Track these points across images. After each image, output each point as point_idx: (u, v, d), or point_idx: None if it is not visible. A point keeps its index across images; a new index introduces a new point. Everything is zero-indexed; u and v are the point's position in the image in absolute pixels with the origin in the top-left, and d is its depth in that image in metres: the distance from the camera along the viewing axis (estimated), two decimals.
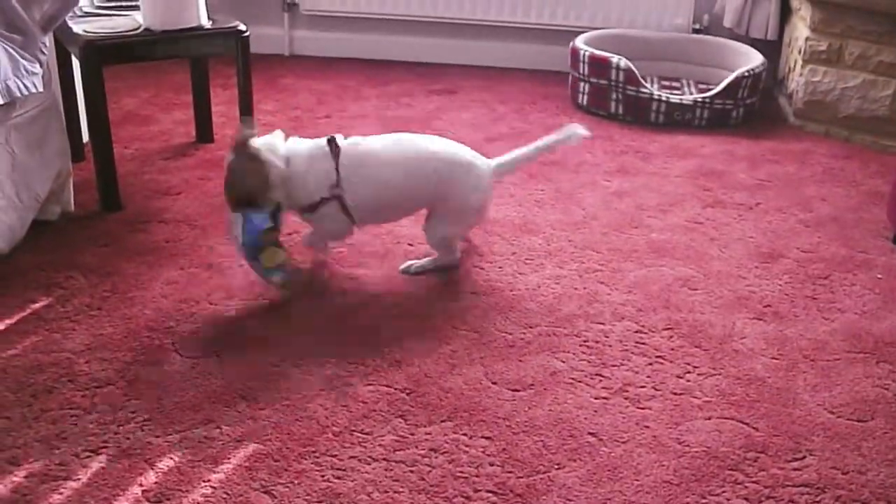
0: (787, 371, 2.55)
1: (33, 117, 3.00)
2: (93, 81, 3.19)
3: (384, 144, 2.86)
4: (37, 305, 2.73)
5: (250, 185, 2.69)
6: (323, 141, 2.80)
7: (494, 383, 2.45)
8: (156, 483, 2.07)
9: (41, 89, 2.95)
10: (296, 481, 2.08)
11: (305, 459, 2.15)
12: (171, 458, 2.14)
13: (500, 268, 3.01)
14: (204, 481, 2.08)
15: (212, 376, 2.44)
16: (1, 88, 2.76)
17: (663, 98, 4.31)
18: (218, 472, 2.10)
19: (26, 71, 2.88)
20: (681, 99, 4.33)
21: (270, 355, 2.53)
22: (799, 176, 3.85)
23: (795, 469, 2.18)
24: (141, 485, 2.06)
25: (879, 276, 3.07)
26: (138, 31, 3.25)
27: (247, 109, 3.49)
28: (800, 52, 4.38)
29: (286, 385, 2.42)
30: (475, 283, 2.92)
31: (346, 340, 2.61)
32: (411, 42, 5.21)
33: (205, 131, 3.96)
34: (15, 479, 2.07)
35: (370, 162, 2.80)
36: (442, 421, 2.30)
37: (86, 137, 3.53)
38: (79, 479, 2.07)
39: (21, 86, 2.85)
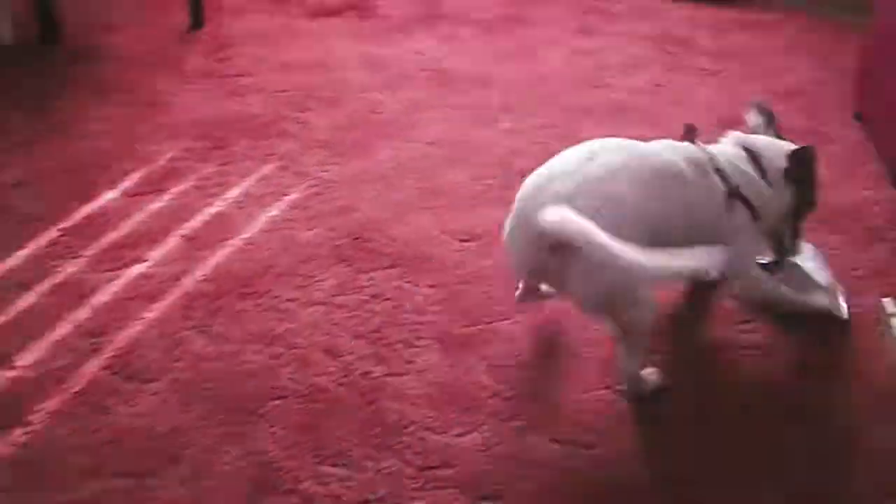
0: None
1: None
2: None
3: None
4: None
5: None
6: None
7: (443, 233, 2.39)
8: (89, 319, 2.01)
9: None
10: (232, 321, 2.03)
11: (243, 300, 2.09)
12: (106, 295, 2.08)
13: (448, 121, 2.92)
14: (138, 319, 2.02)
15: (149, 214, 2.36)
16: None
17: None
18: (152, 311, 2.04)
19: None
20: None
21: (210, 196, 2.45)
22: (764, 47, 3.75)
23: None
24: (75, 321, 2.00)
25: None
26: None
27: None
28: None
29: (227, 225, 2.34)
30: (427, 136, 2.83)
31: (287, 185, 2.53)
32: None
33: None
34: None
35: None
36: (386, 267, 2.24)
37: None
38: (9, 314, 2.01)
39: None
